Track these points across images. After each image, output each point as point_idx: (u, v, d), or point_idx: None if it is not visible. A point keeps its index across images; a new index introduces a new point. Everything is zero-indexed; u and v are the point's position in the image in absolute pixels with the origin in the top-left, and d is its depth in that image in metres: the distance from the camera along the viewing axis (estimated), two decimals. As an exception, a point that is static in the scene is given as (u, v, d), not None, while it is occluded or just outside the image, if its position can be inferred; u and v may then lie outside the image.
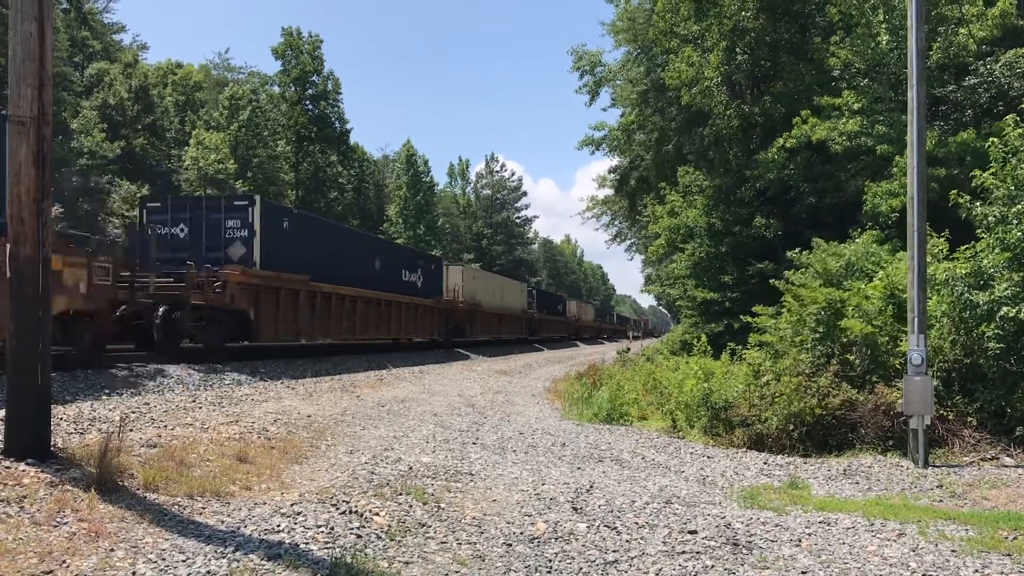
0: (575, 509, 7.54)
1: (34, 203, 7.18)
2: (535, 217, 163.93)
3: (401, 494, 7.61)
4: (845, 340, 12.43)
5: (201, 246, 20.16)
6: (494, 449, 10.81)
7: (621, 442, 12.28)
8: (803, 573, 5.84)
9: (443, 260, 41.69)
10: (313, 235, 24.17)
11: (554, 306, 68.69)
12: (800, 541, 6.66)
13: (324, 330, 24.41)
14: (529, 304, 56.65)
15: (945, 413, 11.01)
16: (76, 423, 9.26)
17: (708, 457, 11.19)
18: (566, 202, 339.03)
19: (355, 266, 27.16)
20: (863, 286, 13.50)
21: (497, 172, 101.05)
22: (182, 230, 20.50)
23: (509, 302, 50.49)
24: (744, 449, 11.99)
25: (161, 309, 17.31)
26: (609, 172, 47.08)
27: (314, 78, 63.94)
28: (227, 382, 15.68)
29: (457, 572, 5.67)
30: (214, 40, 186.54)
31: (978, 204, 11.75)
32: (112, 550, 5.43)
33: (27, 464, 6.85)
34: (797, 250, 17.51)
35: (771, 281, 16.07)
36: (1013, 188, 11.33)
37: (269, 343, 23.11)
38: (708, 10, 25.68)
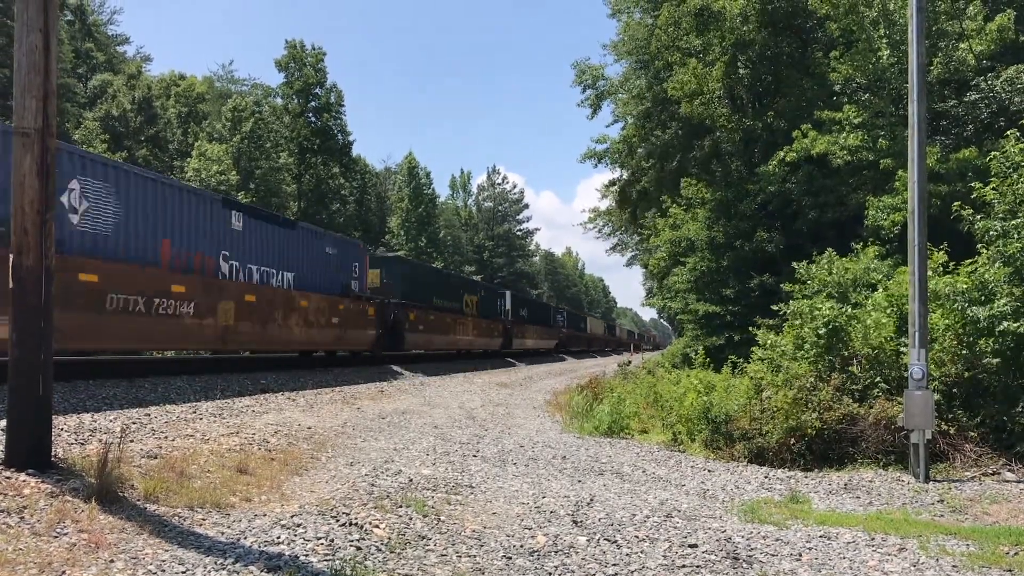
0: (575, 522, 7.53)
1: (37, 214, 7.21)
2: (536, 230, 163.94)
3: (401, 506, 7.60)
4: (847, 353, 12.43)
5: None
6: (495, 462, 10.80)
7: (621, 455, 12.26)
8: (803, 587, 5.83)
9: (586, 315, 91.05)
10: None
11: (612, 330, 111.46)
12: (800, 555, 6.65)
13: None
14: (604, 331, 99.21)
15: (946, 427, 11.00)
16: (77, 433, 9.26)
17: (709, 471, 11.18)
18: (567, 214, 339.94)
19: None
20: (864, 299, 13.53)
21: (499, 184, 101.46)
22: None
23: (599, 331, 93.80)
24: (745, 463, 11.97)
25: None
26: (610, 184, 47.17)
27: (317, 90, 64.12)
28: (228, 393, 15.67)
29: (457, 585, 5.66)
30: (218, 52, 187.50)
31: (979, 218, 11.79)
32: (112, 561, 5.43)
33: (27, 474, 6.85)
34: (804, 263, 17.52)
35: (773, 307, 16.10)
36: (1014, 202, 11.37)
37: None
38: (709, 24, 25.83)
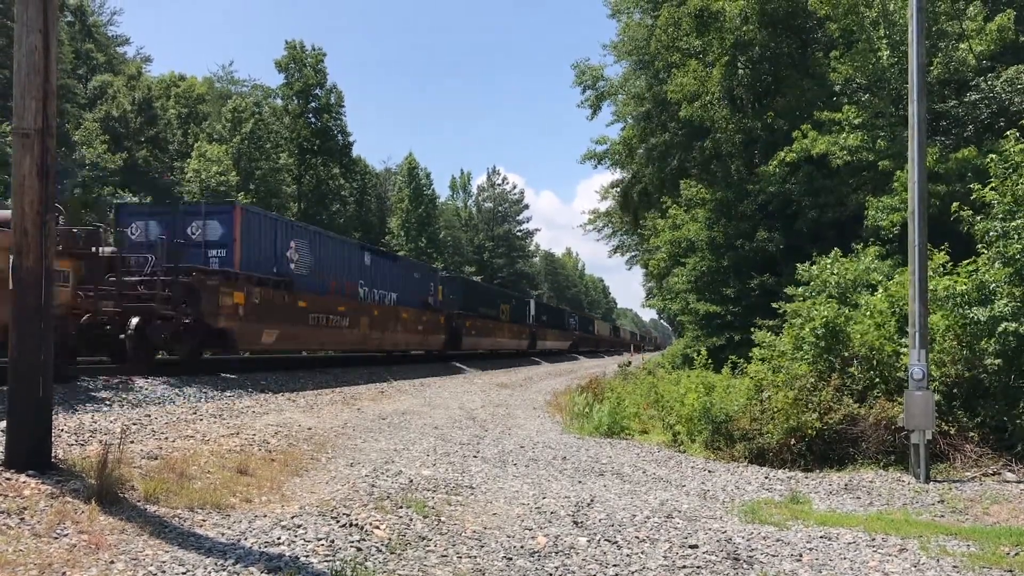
0: (576, 523, 7.53)
1: (37, 215, 7.21)
2: (536, 230, 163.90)
3: (401, 507, 7.60)
4: (847, 354, 12.42)
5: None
6: (495, 462, 10.80)
7: (622, 456, 12.26)
8: (804, 588, 5.83)
9: (594, 319, 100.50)
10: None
11: (616, 332, 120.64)
12: (801, 556, 6.64)
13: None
14: (609, 332, 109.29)
15: (947, 428, 10.99)
16: (77, 434, 9.26)
17: (709, 471, 11.18)
18: (567, 214, 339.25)
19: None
20: (869, 298, 13.52)
21: (499, 185, 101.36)
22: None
23: (606, 333, 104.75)
24: (745, 463, 11.97)
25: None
26: (612, 186, 47.15)
27: (317, 91, 64.09)
28: (228, 395, 15.68)
29: (457, 586, 5.66)
30: (218, 53, 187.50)
31: (979, 219, 11.78)
32: (112, 562, 5.43)
33: (28, 475, 6.85)
34: (807, 264, 17.49)
35: (774, 304, 16.09)
36: (1013, 203, 11.36)
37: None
38: (709, 25, 25.80)
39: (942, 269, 12.65)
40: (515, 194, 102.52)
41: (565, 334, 69.55)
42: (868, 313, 12.98)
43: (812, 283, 16.37)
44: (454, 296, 39.00)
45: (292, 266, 22.34)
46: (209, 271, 18.82)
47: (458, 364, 36.12)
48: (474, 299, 42.82)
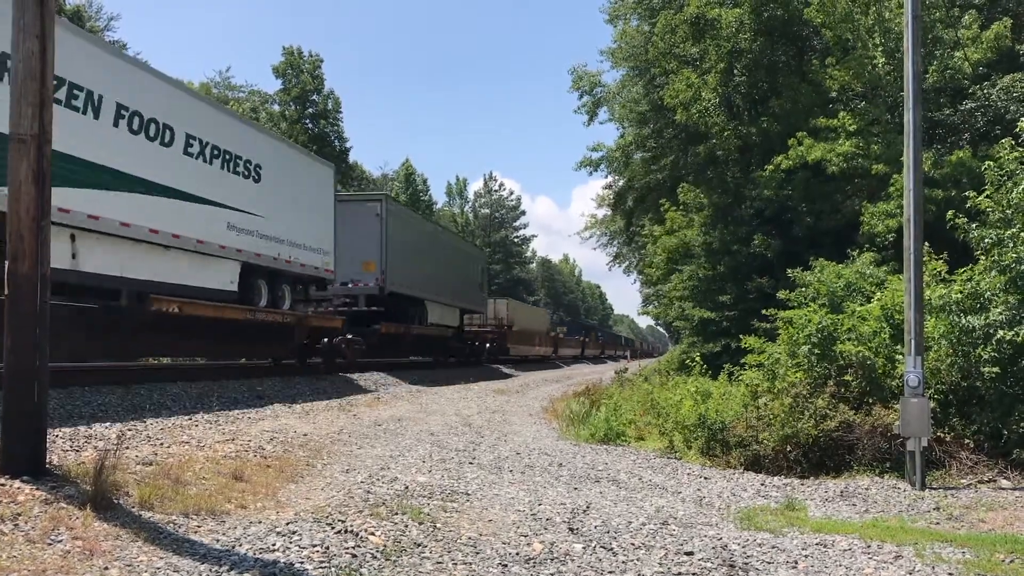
0: (571, 530, 7.53)
1: (33, 221, 7.20)
2: (533, 236, 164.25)
3: (397, 513, 7.59)
4: (842, 362, 12.43)
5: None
6: (491, 469, 10.79)
7: (618, 462, 12.26)
8: (799, 595, 5.83)
9: (635, 339, 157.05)
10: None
11: (642, 343, 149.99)
12: (796, 563, 6.64)
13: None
14: (639, 343, 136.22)
15: (942, 435, 11.00)
16: (72, 440, 9.24)
17: (705, 478, 11.17)
18: (564, 220, 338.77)
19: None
20: (858, 308, 13.53)
21: (495, 191, 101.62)
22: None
23: (637, 345, 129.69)
24: (741, 470, 11.96)
25: None
26: (605, 188, 47.21)
27: (314, 97, 64.25)
28: (225, 399, 15.64)
29: (452, 592, 5.66)
30: (215, 58, 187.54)
31: (975, 226, 11.79)
32: (107, 568, 5.41)
33: (22, 481, 6.82)
34: (799, 269, 17.50)
35: (764, 311, 16.11)
36: (1009, 211, 11.38)
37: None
38: (705, 32, 25.86)
39: (939, 276, 12.67)
40: (512, 200, 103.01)
41: (615, 345, 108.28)
42: (861, 320, 12.98)
43: (807, 288, 16.38)
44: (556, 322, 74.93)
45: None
46: None
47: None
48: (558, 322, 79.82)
